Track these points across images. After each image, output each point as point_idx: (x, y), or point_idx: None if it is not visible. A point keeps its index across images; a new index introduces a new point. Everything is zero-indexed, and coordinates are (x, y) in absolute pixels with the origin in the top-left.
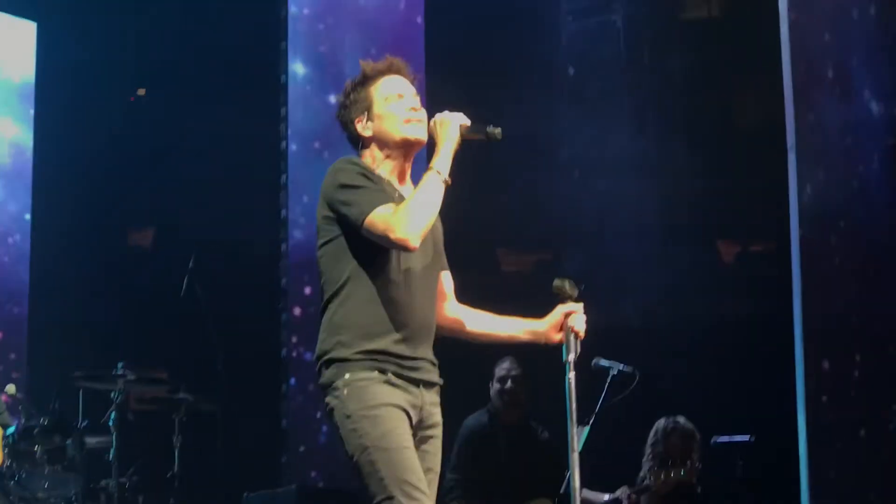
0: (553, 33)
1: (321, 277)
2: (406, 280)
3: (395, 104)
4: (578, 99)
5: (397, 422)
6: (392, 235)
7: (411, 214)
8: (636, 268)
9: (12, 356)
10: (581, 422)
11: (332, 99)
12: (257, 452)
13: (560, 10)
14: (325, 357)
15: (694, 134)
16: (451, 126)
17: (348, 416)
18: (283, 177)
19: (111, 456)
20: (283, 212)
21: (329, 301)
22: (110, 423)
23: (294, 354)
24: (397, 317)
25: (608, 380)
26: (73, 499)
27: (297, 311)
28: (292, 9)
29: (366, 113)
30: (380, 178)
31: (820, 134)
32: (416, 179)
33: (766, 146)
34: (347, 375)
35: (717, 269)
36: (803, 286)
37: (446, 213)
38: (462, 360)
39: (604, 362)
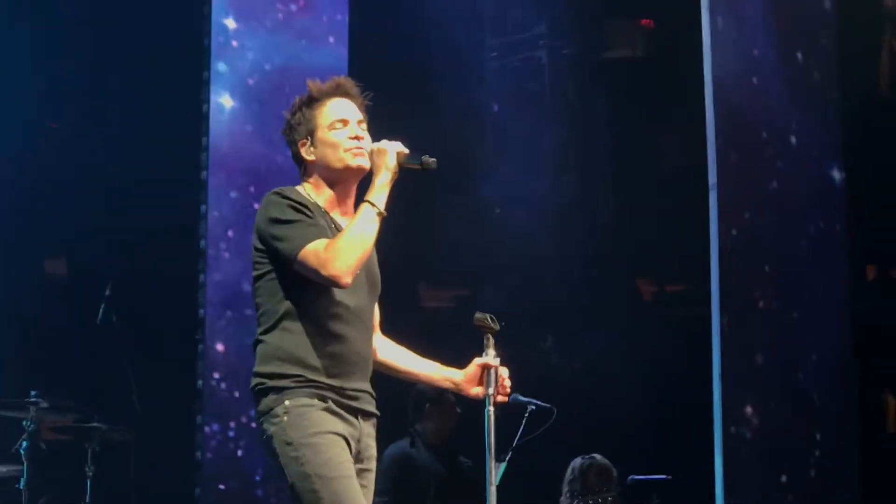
0: (477, 69)
1: (257, 309)
2: (342, 313)
3: (337, 132)
4: (502, 135)
5: (339, 450)
6: (323, 272)
7: (342, 251)
8: (556, 304)
9: None
10: (498, 457)
11: (251, 129)
12: (171, 484)
13: (484, 46)
14: (263, 385)
15: (617, 172)
16: (389, 156)
17: (289, 444)
18: (203, 207)
19: (22, 485)
20: (203, 242)
21: (265, 332)
22: (21, 452)
23: (213, 385)
24: (334, 350)
25: (526, 415)
26: None
27: (219, 346)
28: (216, 38)
29: (309, 137)
30: (315, 206)
31: (742, 174)
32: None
33: (688, 185)
34: (287, 402)
35: (636, 308)
36: (722, 327)
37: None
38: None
39: (521, 398)
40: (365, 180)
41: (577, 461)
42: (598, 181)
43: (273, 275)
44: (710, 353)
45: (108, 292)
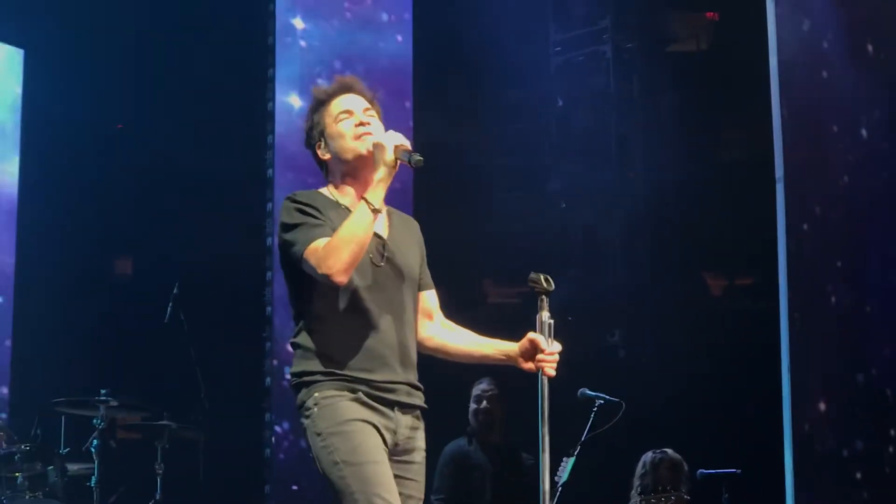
0: (542, 65)
1: (293, 311)
2: (370, 308)
3: (343, 122)
4: (566, 130)
5: (367, 436)
6: (318, 271)
7: (335, 250)
8: (623, 299)
9: None
10: (567, 452)
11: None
12: (240, 481)
13: (549, 42)
14: (297, 380)
15: (682, 166)
16: (387, 151)
17: (318, 434)
18: (269, 205)
19: (93, 483)
20: (269, 240)
21: (296, 335)
22: (92, 450)
23: (284, 386)
24: (362, 345)
25: (593, 410)
26: None
27: (290, 347)
28: (283, 37)
29: (322, 138)
30: (331, 203)
31: (812, 168)
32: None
33: (754, 178)
34: (317, 394)
35: (704, 302)
36: (793, 322)
37: (435, 242)
38: (443, 385)
39: (589, 393)
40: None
41: (649, 455)
42: (663, 175)
43: (297, 279)
44: (779, 346)
45: (175, 291)
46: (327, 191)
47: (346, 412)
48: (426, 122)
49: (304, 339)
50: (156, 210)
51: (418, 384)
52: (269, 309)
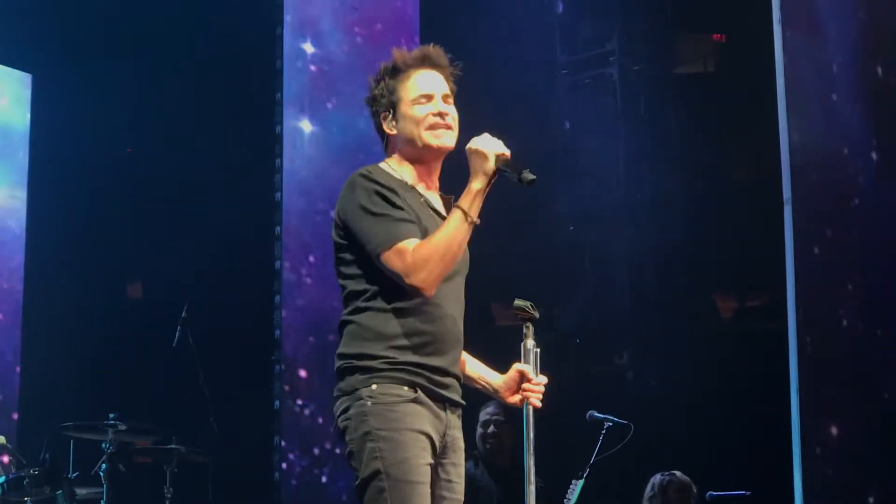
0: (548, 87)
1: (343, 290)
2: (439, 291)
3: (421, 107)
4: (574, 153)
5: (419, 451)
6: (407, 280)
7: (428, 260)
8: (631, 321)
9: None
10: (576, 475)
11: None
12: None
13: (555, 64)
14: (348, 364)
15: (690, 187)
16: (487, 160)
17: (367, 432)
18: (277, 229)
19: None
20: (277, 264)
21: (351, 313)
22: (101, 474)
23: (296, 412)
24: (425, 327)
25: (602, 432)
26: None
27: (301, 372)
28: (293, 62)
29: (392, 110)
30: (402, 184)
31: (823, 191)
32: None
33: (763, 200)
34: (374, 387)
35: (713, 323)
36: (804, 345)
37: None
38: None
39: (598, 415)
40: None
41: (657, 478)
42: (671, 196)
43: (359, 258)
44: (789, 367)
45: (184, 315)
46: (389, 167)
47: (403, 419)
48: None
49: (364, 317)
50: (164, 234)
51: (461, 376)
52: (277, 332)
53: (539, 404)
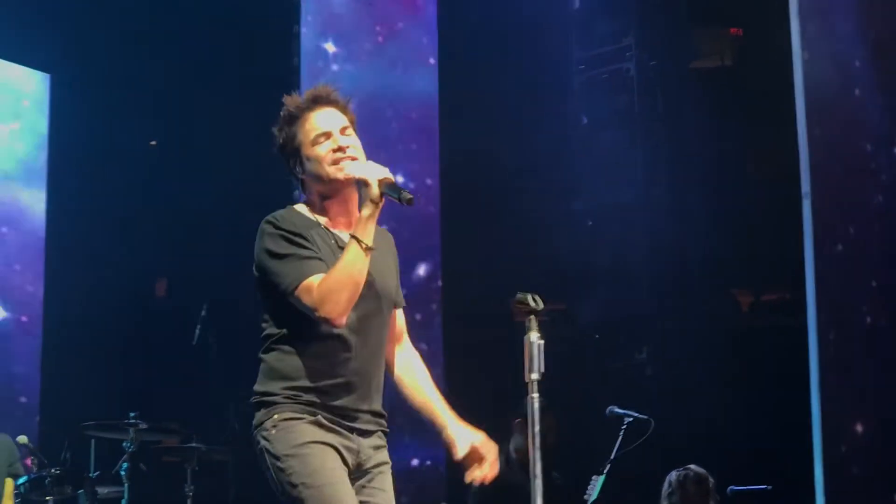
0: (565, 83)
1: (262, 332)
2: (342, 333)
3: (320, 146)
4: (591, 149)
5: (326, 458)
6: (317, 314)
7: (332, 293)
8: (651, 317)
9: (23, 399)
10: (596, 471)
11: None
12: (269, 502)
13: (572, 60)
14: (257, 400)
15: (709, 182)
16: (372, 187)
17: (276, 457)
18: None
19: None
20: None
21: (265, 352)
22: (122, 473)
23: None
24: (330, 371)
25: (622, 428)
26: None
27: None
28: (307, 60)
29: (297, 156)
30: (315, 225)
31: (845, 188)
32: None
33: (782, 194)
34: (276, 416)
35: (733, 319)
36: (825, 342)
37: (462, 260)
38: (479, 402)
39: (618, 411)
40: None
41: (673, 474)
42: (689, 191)
43: (274, 301)
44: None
45: (203, 313)
46: (304, 208)
47: (305, 434)
48: (453, 142)
49: (271, 357)
50: (183, 233)
51: (382, 412)
52: None
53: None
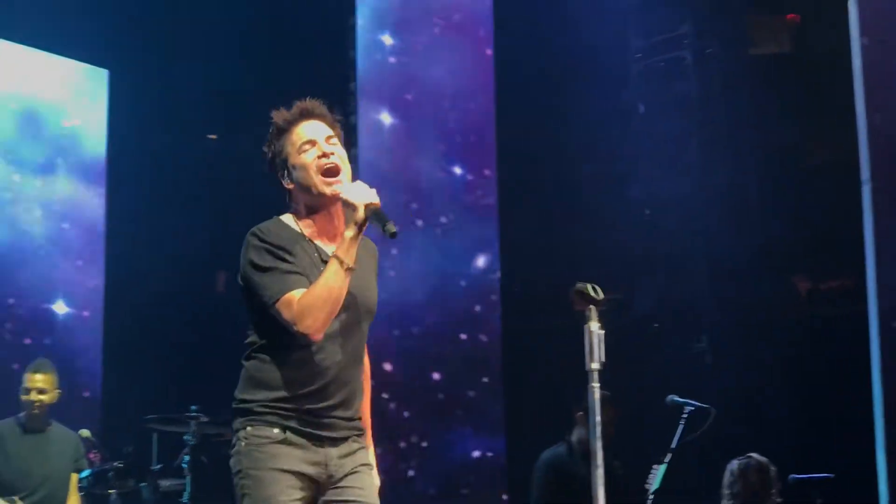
0: (622, 71)
1: (245, 338)
2: (325, 343)
3: (306, 154)
4: (649, 137)
5: (283, 488)
6: (295, 328)
7: (312, 308)
8: (709, 305)
9: (86, 394)
10: (657, 460)
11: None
12: None
13: (629, 48)
14: (235, 406)
15: (767, 169)
16: (359, 210)
17: (238, 471)
18: None
19: (185, 499)
20: None
21: (246, 359)
22: (184, 466)
23: (381, 406)
24: (305, 377)
25: (683, 417)
26: None
27: (387, 366)
28: (363, 53)
29: (285, 167)
30: (300, 237)
31: None
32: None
33: (842, 181)
34: (249, 429)
35: (792, 306)
36: (882, 325)
37: (520, 250)
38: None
39: (678, 399)
40: None
41: (734, 463)
42: (748, 178)
43: (253, 308)
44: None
45: None
46: (290, 219)
47: (269, 459)
48: (510, 133)
49: (251, 365)
50: (243, 227)
51: (357, 417)
52: None
53: None
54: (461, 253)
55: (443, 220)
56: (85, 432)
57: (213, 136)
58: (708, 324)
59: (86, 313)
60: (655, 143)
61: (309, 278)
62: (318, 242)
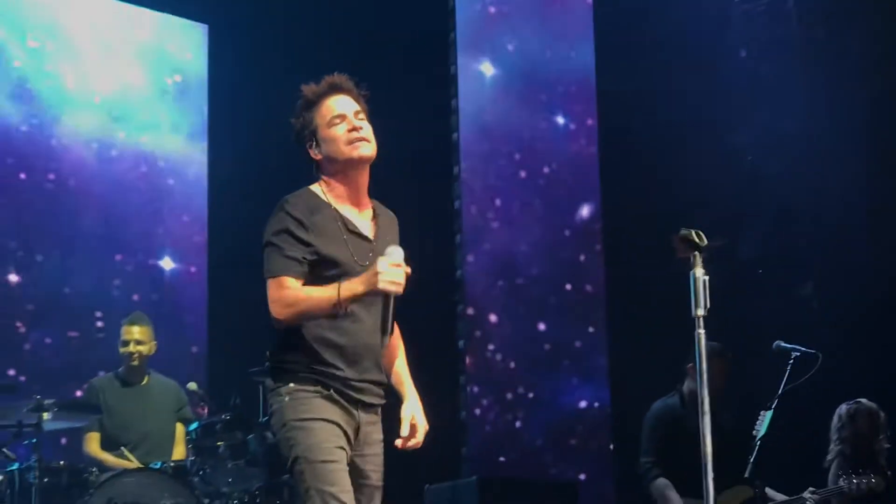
0: (723, 16)
1: None
2: (356, 308)
3: (336, 127)
4: (751, 81)
5: (328, 435)
6: (270, 307)
7: (292, 307)
8: (815, 250)
9: (194, 349)
10: (763, 406)
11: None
12: (436, 444)
13: None
14: (274, 365)
15: (872, 111)
16: (379, 283)
17: (284, 425)
18: (455, 169)
19: None
20: (457, 203)
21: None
22: None
23: (487, 357)
24: (340, 342)
25: (790, 363)
26: (256, 493)
27: (492, 317)
28: (465, 2)
29: (313, 138)
30: (324, 205)
31: None
32: None
33: None
34: (292, 384)
35: None
36: None
37: (623, 198)
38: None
39: (784, 345)
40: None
41: (843, 408)
42: (852, 121)
43: None
44: None
45: None
46: (318, 189)
47: (314, 409)
48: (612, 77)
49: (290, 329)
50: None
51: (383, 385)
52: (458, 272)
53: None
54: (565, 203)
55: (546, 170)
56: (192, 385)
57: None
58: (813, 269)
59: (192, 269)
60: (757, 88)
61: (331, 243)
62: (342, 210)
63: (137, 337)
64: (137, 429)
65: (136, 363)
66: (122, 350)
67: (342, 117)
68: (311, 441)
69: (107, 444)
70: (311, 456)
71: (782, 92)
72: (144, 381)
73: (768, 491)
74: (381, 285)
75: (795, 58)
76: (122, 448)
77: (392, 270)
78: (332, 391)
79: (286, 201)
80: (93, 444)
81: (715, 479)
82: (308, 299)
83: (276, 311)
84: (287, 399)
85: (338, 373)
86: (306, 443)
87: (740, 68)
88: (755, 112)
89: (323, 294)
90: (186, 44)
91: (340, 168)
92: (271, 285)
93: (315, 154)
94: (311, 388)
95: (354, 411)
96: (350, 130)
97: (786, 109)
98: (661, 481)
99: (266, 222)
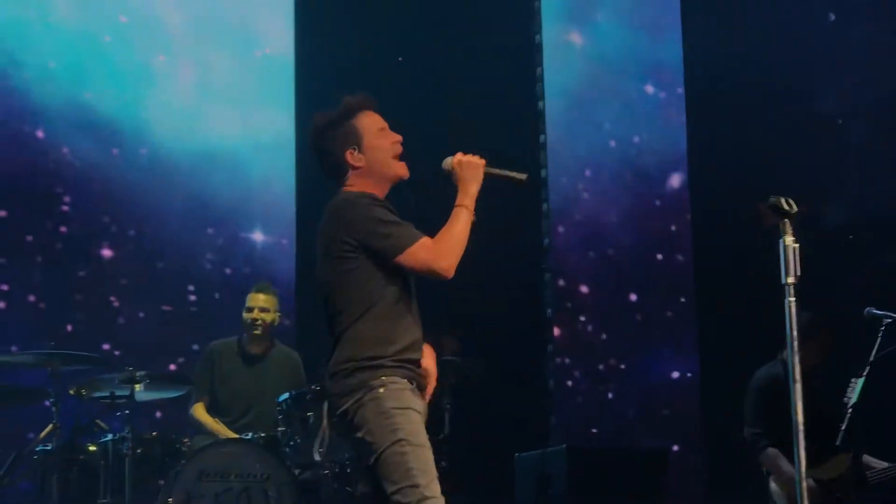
0: None
1: (339, 298)
2: (411, 300)
3: (384, 137)
4: (839, 45)
5: (421, 427)
6: (434, 266)
7: (452, 248)
8: None
9: (286, 322)
10: (855, 373)
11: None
12: (526, 414)
13: None
14: (358, 365)
15: None
16: (478, 169)
17: (383, 412)
18: (542, 137)
19: None
20: (543, 172)
21: (354, 322)
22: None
23: (579, 329)
24: (413, 331)
25: (881, 329)
26: (347, 464)
27: (583, 288)
28: None
29: (357, 145)
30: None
31: None
32: None
33: None
34: (384, 378)
35: None
36: None
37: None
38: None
39: (876, 312)
40: None
41: None
42: None
43: (364, 268)
44: None
45: None
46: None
47: (409, 400)
48: (697, 48)
49: (367, 325)
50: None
51: None
52: (545, 240)
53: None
54: (655, 172)
55: (636, 139)
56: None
57: (400, 59)
58: None
59: (284, 241)
60: (847, 52)
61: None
62: None
63: (262, 304)
64: (245, 400)
65: (258, 332)
66: (245, 316)
67: (385, 128)
68: (413, 427)
69: (212, 411)
70: (416, 440)
71: (872, 56)
72: (265, 353)
73: (866, 458)
74: (477, 170)
75: (885, 21)
76: (217, 419)
77: (466, 158)
78: (414, 384)
79: (361, 194)
80: (199, 409)
81: (817, 449)
82: (451, 236)
83: (444, 266)
84: (383, 390)
85: (415, 368)
86: (409, 428)
87: (829, 32)
88: (844, 77)
89: (455, 222)
90: (273, 17)
91: (381, 177)
92: (418, 251)
93: (356, 161)
94: (401, 381)
95: (421, 401)
96: (395, 142)
97: (876, 74)
98: (772, 451)
99: (346, 222)
